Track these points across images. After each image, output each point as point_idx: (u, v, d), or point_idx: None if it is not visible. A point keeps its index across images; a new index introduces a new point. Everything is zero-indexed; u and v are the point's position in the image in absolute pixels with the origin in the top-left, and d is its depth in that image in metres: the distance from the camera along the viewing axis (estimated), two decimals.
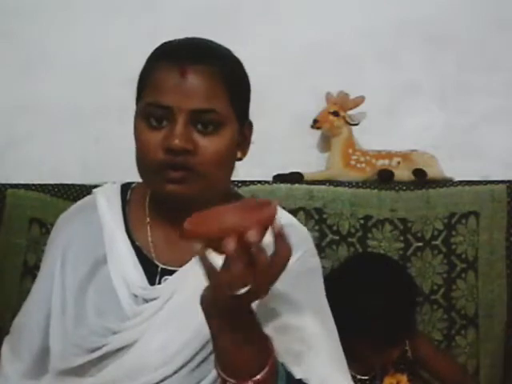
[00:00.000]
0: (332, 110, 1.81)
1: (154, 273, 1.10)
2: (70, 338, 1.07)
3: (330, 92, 1.84)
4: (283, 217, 1.02)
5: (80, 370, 1.06)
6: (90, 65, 1.84)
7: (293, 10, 1.88)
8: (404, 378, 1.52)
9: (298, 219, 1.68)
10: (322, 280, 1.15)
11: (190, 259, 1.05)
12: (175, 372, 1.03)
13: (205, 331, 0.92)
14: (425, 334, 1.67)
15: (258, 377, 0.89)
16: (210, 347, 0.97)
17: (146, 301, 1.07)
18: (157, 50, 1.11)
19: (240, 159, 1.12)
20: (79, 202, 1.25)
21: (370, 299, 1.41)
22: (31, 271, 1.71)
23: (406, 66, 1.89)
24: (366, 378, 1.51)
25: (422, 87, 1.89)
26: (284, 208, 1.65)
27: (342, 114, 1.81)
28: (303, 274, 1.08)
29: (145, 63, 1.11)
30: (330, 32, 1.86)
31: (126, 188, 1.21)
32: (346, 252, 1.73)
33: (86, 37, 1.86)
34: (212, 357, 0.95)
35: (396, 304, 1.42)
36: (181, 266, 1.09)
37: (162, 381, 1.03)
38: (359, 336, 1.39)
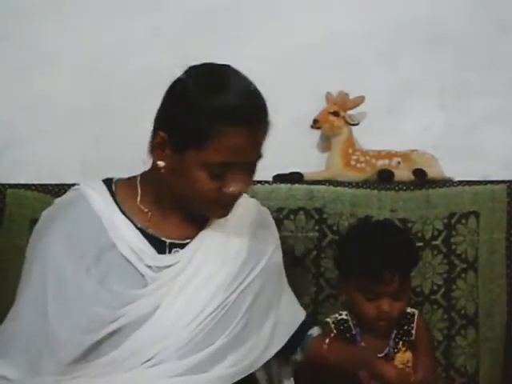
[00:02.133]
0: (332, 110, 1.81)
1: (162, 247, 1.23)
2: (88, 313, 1.15)
3: (329, 92, 1.84)
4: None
5: (93, 352, 1.14)
6: (90, 65, 1.84)
7: (293, 10, 1.87)
8: (411, 358, 1.52)
9: (298, 219, 1.71)
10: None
11: (196, 234, 1.25)
12: (190, 340, 1.16)
13: (219, 296, 1.18)
14: (428, 330, 1.67)
15: None
16: (222, 311, 1.19)
17: (161, 270, 1.20)
18: (219, 109, 1.14)
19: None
20: (63, 198, 1.32)
21: (373, 237, 1.52)
22: None
23: (406, 66, 1.89)
24: (381, 355, 1.51)
25: (421, 87, 1.89)
26: (284, 208, 1.67)
27: (342, 114, 1.81)
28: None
29: (202, 116, 1.14)
30: (330, 32, 1.86)
31: (108, 182, 1.30)
32: None
33: (86, 37, 1.86)
34: (223, 319, 1.18)
35: (397, 250, 1.49)
36: (186, 240, 1.25)
37: (180, 347, 1.16)
38: (352, 275, 1.49)
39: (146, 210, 1.26)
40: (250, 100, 1.18)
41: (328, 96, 1.84)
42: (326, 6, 1.87)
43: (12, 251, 1.70)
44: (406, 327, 1.54)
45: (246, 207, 1.35)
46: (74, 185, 1.72)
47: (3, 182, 1.75)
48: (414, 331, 1.54)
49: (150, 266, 1.20)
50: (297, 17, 1.87)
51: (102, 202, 1.25)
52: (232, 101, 1.15)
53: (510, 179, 1.77)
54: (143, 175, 1.31)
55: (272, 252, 1.36)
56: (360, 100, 1.81)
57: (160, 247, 1.24)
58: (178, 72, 1.82)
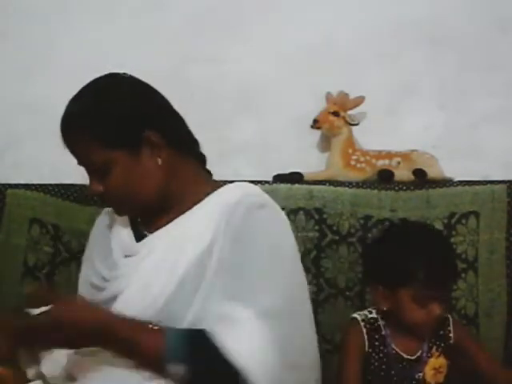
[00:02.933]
0: (332, 110, 1.81)
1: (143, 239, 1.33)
2: (86, 276, 1.38)
3: (330, 92, 1.84)
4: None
5: None
6: (90, 65, 1.84)
7: (293, 10, 1.88)
8: (445, 363, 1.51)
9: (298, 219, 1.71)
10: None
11: (164, 226, 1.30)
12: (156, 317, 1.19)
13: (176, 281, 1.20)
14: (466, 327, 1.69)
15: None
16: (181, 296, 1.20)
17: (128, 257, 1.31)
18: None
19: (164, 162, 1.28)
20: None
21: (421, 242, 1.47)
22: (31, 271, 1.71)
23: (406, 65, 1.88)
24: (413, 358, 1.51)
25: (422, 87, 1.89)
26: (284, 208, 1.67)
27: (342, 114, 1.81)
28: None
29: None
30: (330, 32, 1.87)
31: None
32: (346, 252, 1.72)
33: (85, 37, 1.86)
34: (189, 300, 1.19)
35: (447, 251, 1.49)
36: None
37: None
38: (406, 286, 1.45)
39: None
40: (65, 111, 1.29)
41: (328, 96, 1.84)
42: (326, 6, 1.87)
43: (12, 251, 1.70)
44: (441, 332, 1.53)
45: (226, 195, 1.28)
46: (73, 185, 1.74)
47: (3, 181, 1.75)
48: (452, 335, 1.53)
49: (127, 255, 1.31)
50: (297, 17, 1.87)
51: None
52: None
53: (510, 179, 1.76)
54: None
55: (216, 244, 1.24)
56: (360, 100, 1.81)
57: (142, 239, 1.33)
58: (177, 72, 1.84)
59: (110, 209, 1.44)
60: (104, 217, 1.46)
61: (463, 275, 1.73)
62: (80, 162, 1.29)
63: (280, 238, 1.27)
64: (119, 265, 1.31)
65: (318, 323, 1.57)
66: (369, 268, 1.57)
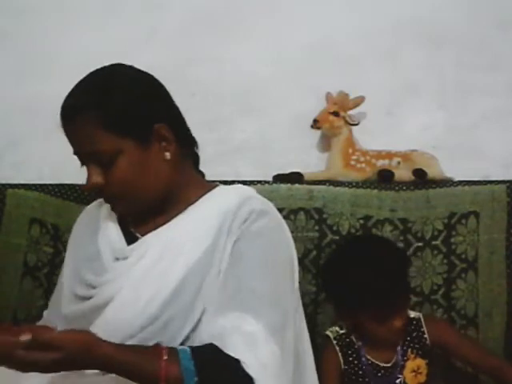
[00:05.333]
0: (332, 110, 1.81)
1: (134, 241, 1.27)
2: (69, 287, 1.30)
3: (329, 92, 1.84)
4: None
5: (78, 319, 1.23)
6: (89, 65, 1.84)
7: (292, 9, 1.88)
8: (423, 364, 1.52)
9: (298, 219, 1.71)
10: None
11: (160, 226, 1.25)
12: (149, 324, 1.14)
13: (171, 287, 1.15)
14: (445, 321, 1.68)
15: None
16: (177, 303, 1.15)
17: (119, 261, 1.26)
18: None
19: (169, 159, 1.24)
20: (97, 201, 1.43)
21: (358, 272, 1.44)
22: (31, 271, 1.71)
23: (406, 65, 1.88)
24: (389, 365, 1.52)
25: (421, 87, 1.89)
26: (284, 208, 1.67)
27: (342, 114, 1.81)
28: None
29: None
30: (330, 32, 1.87)
31: None
32: None
33: (85, 37, 1.86)
34: (180, 315, 1.14)
35: (384, 272, 1.44)
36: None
37: (140, 331, 1.15)
38: (358, 310, 1.46)
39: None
40: (67, 96, 1.23)
41: (328, 96, 1.84)
42: (326, 5, 1.87)
43: (12, 251, 1.70)
44: (414, 334, 1.54)
45: (225, 198, 1.26)
46: (73, 185, 1.74)
47: (3, 182, 1.75)
48: (426, 335, 1.54)
49: (117, 259, 1.26)
50: (297, 17, 1.87)
51: (107, 206, 1.34)
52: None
53: (510, 179, 1.76)
54: None
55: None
56: (360, 100, 1.81)
57: (134, 241, 1.28)
58: (178, 72, 1.84)
59: (93, 206, 1.40)
60: (86, 216, 1.40)
61: (463, 275, 1.73)
62: (81, 151, 1.22)
63: (280, 250, 1.26)
64: (108, 269, 1.24)
65: (317, 323, 1.58)
66: (324, 290, 1.59)
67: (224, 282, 1.17)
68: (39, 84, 1.85)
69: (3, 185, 1.74)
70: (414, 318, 1.56)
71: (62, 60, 1.86)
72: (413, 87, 1.88)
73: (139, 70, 1.27)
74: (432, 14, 1.87)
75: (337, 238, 1.72)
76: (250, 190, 1.32)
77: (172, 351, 1.06)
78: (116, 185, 1.20)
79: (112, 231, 1.29)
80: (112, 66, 1.26)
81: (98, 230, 1.32)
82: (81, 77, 1.27)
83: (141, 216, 1.27)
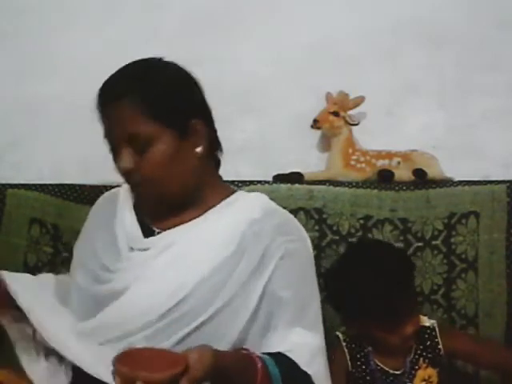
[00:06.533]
0: (332, 110, 1.81)
1: (152, 235, 1.30)
2: (91, 269, 1.30)
3: (329, 92, 1.84)
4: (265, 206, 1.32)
5: (89, 308, 1.25)
6: (89, 65, 1.84)
7: (293, 10, 1.88)
8: (434, 373, 1.51)
9: (298, 219, 1.70)
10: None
11: (179, 224, 1.28)
12: (158, 320, 1.18)
13: (193, 283, 1.18)
14: (457, 329, 1.68)
15: None
16: (196, 299, 1.19)
17: (139, 251, 1.27)
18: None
19: (201, 154, 1.28)
20: (112, 192, 1.46)
21: (366, 282, 1.42)
22: (31, 271, 1.70)
23: (406, 65, 1.88)
24: (399, 372, 1.50)
25: (421, 87, 1.89)
26: (284, 208, 1.66)
27: (342, 114, 1.81)
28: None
29: None
30: (330, 32, 1.87)
31: None
32: None
33: (86, 37, 1.86)
34: (197, 310, 1.18)
35: (392, 281, 1.42)
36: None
37: (157, 322, 1.18)
38: (369, 320, 1.43)
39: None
40: (110, 80, 1.27)
41: (328, 96, 1.84)
42: (326, 5, 1.87)
43: (12, 251, 1.70)
44: (428, 343, 1.52)
45: (248, 209, 1.31)
46: (73, 185, 1.74)
47: (3, 182, 1.75)
48: (440, 346, 1.52)
49: (132, 249, 1.28)
50: (296, 17, 1.87)
51: (125, 198, 1.37)
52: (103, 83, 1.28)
53: (510, 179, 1.76)
54: None
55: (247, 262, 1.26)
56: (360, 100, 1.81)
57: (150, 234, 1.30)
58: None
59: (111, 193, 1.42)
60: (103, 201, 1.43)
61: (463, 275, 1.73)
62: (118, 134, 1.24)
63: (312, 264, 1.36)
64: (123, 257, 1.27)
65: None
66: (328, 299, 1.52)
67: (281, 299, 1.23)
68: (39, 84, 1.85)
69: (3, 185, 1.74)
70: (428, 326, 1.53)
71: (62, 60, 1.86)
72: (413, 87, 1.88)
73: (180, 66, 1.31)
74: (432, 14, 1.87)
75: (337, 238, 1.72)
76: (270, 201, 1.37)
77: (261, 358, 1.12)
78: (148, 170, 1.23)
79: (128, 221, 1.31)
80: (154, 58, 1.30)
81: (114, 216, 1.34)
82: (81, 77, 1.29)
83: (162, 210, 1.30)
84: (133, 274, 1.23)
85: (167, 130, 1.23)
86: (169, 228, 1.29)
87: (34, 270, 1.70)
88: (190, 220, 1.29)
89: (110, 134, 1.26)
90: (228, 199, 1.33)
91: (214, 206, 1.31)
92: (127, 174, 1.25)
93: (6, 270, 1.68)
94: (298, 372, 1.16)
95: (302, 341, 1.20)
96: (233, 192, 1.37)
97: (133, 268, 1.24)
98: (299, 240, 1.33)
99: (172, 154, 1.24)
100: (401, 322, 1.44)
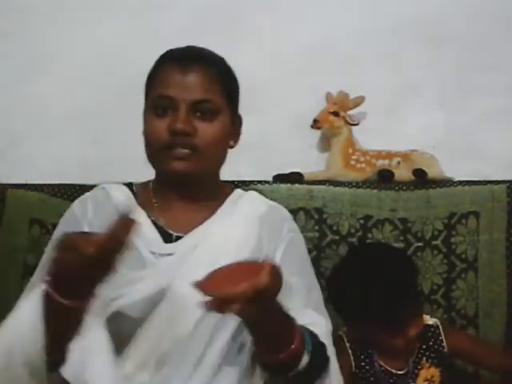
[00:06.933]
0: (332, 110, 1.81)
1: (169, 239, 1.28)
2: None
3: (329, 92, 1.84)
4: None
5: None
6: (89, 65, 1.85)
7: (293, 9, 1.88)
8: (437, 373, 1.51)
9: (298, 219, 1.71)
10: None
11: (197, 226, 1.28)
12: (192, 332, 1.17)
13: None
14: (456, 328, 1.68)
15: (292, 346, 1.09)
16: None
17: (162, 257, 1.25)
18: (163, 54, 1.32)
19: (232, 147, 1.35)
20: (91, 192, 1.38)
21: (370, 284, 1.42)
22: (31, 271, 1.69)
23: (406, 66, 1.89)
24: (402, 372, 1.50)
25: (421, 87, 1.89)
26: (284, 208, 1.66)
27: (342, 114, 1.81)
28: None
29: (152, 66, 1.31)
30: (330, 32, 1.87)
31: (129, 185, 1.38)
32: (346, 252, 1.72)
33: (85, 37, 1.86)
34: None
35: (396, 284, 1.43)
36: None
37: (197, 325, 1.17)
38: (373, 322, 1.43)
39: (154, 201, 1.32)
40: (189, 48, 1.33)
41: (328, 96, 1.84)
42: (326, 5, 1.87)
43: (12, 251, 1.70)
44: (431, 342, 1.53)
45: (253, 204, 1.36)
46: (73, 185, 1.73)
47: (3, 182, 1.75)
48: (444, 344, 1.52)
49: (154, 253, 1.25)
50: (297, 17, 1.87)
51: (123, 197, 1.33)
52: (177, 48, 1.33)
53: (510, 179, 1.76)
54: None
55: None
56: (360, 100, 1.81)
57: (167, 238, 1.28)
58: None
59: (99, 196, 1.33)
60: (87, 205, 1.31)
61: (463, 275, 1.73)
62: (189, 95, 1.23)
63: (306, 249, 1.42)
64: (147, 263, 1.23)
65: None
66: (330, 299, 1.50)
67: (291, 284, 1.24)
68: (39, 84, 1.85)
69: (3, 185, 1.73)
70: (431, 325, 1.54)
71: (62, 60, 1.86)
72: (413, 87, 1.88)
73: None
74: (432, 13, 1.87)
75: (337, 238, 1.72)
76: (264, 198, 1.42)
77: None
78: (206, 139, 1.24)
79: (144, 226, 1.27)
80: None
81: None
82: (81, 77, 1.29)
83: (185, 197, 1.29)
84: (164, 280, 1.20)
85: (228, 109, 1.29)
86: (182, 228, 1.28)
87: (33, 270, 1.70)
88: (202, 220, 1.29)
89: (172, 92, 1.24)
90: (231, 197, 1.36)
91: (219, 204, 1.33)
92: (180, 137, 1.23)
93: (6, 270, 1.69)
94: (320, 344, 1.19)
95: (316, 319, 1.24)
96: (231, 189, 1.40)
97: (163, 273, 1.22)
98: (297, 230, 1.40)
99: (227, 133, 1.30)
100: (404, 325, 1.44)
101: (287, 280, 1.18)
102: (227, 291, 0.97)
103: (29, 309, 1.06)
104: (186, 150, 1.23)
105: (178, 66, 1.25)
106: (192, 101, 1.23)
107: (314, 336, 1.18)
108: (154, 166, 1.30)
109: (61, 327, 1.04)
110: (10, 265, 1.69)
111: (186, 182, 1.27)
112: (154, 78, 1.28)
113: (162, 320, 1.18)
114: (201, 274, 1.16)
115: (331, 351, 1.22)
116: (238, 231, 1.29)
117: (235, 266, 1.03)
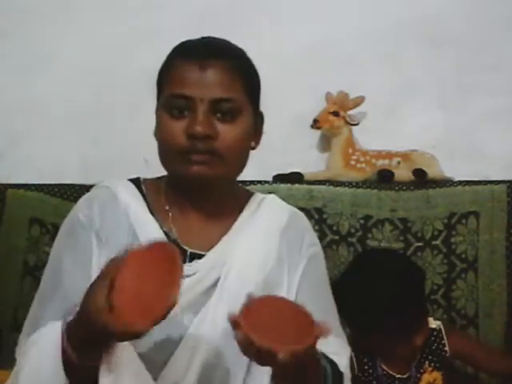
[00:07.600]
0: (332, 110, 1.81)
1: (183, 255, 1.09)
2: None
3: (329, 92, 1.84)
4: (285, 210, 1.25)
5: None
6: (89, 65, 1.84)
7: (293, 9, 1.88)
8: (439, 376, 1.52)
9: None
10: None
11: (216, 243, 1.16)
12: (211, 352, 1.08)
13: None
14: (459, 331, 1.68)
15: None
16: None
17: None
18: (176, 47, 1.17)
19: (253, 148, 1.20)
20: (96, 192, 1.25)
21: (377, 293, 1.41)
22: (31, 271, 1.71)
23: (406, 66, 1.89)
24: (404, 376, 1.51)
25: (422, 87, 1.89)
26: None
27: (342, 113, 1.81)
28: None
29: (164, 61, 1.17)
30: (330, 32, 1.87)
31: (137, 182, 1.23)
32: (346, 252, 1.73)
33: (85, 37, 1.86)
34: None
35: (402, 292, 1.42)
36: (207, 251, 1.16)
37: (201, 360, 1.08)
38: (379, 330, 1.42)
39: (167, 208, 1.19)
40: (205, 40, 1.18)
41: (328, 96, 1.84)
42: (326, 6, 1.87)
43: (12, 251, 1.70)
44: (434, 346, 1.53)
45: (274, 214, 1.24)
46: (73, 185, 1.73)
47: (3, 182, 1.75)
48: (447, 348, 1.52)
49: None
50: (297, 17, 1.87)
51: (132, 201, 1.19)
52: (193, 40, 1.18)
53: (510, 179, 1.77)
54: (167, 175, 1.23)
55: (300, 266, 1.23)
56: (360, 100, 1.81)
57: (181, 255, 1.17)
58: None
59: (106, 200, 1.19)
60: (94, 208, 1.20)
61: (463, 275, 1.74)
62: (209, 94, 1.10)
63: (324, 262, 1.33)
64: None
65: None
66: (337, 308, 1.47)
67: (312, 303, 1.12)
68: (39, 84, 1.85)
69: (3, 185, 1.74)
70: (434, 328, 1.54)
71: (62, 60, 1.86)
72: (413, 87, 1.88)
73: None
74: (432, 14, 1.87)
75: (337, 237, 1.72)
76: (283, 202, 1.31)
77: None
78: (226, 142, 1.10)
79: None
80: None
81: (133, 233, 1.15)
82: (81, 77, 1.27)
83: (202, 208, 1.17)
84: (191, 306, 1.11)
85: (250, 107, 1.16)
86: (196, 243, 1.16)
87: (33, 270, 1.71)
88: (219, 235, 1.17)
89: (189, 91, 1.10)
90: (249, 205, 1.24)
91: (237, 214, 1.21)
92: (199, 141, 1.09)
93: (6, 269, 1.70)
94: (339, 374, 1.12)
95: (339, 349, 1.15)
96: (248, 194, 1.28)
97: (184, 295, 1.06)
98: (317, 242, 1.30)
99: (249, 135, 1.16)
100: (411, 333, 1.43)
101: (306, 302, 1.07)
102: (274, 346, 0.86)
103: (50, 345, 0.97)
104: (206, 155, 1.10)
105: (194, 60, 1.11)
106: (211, 100, 1.10)
107: (334, 367, 1.10)
108: (169, 170, 1.16)
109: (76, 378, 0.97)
110: (10, 265, 1.70)
111: (204, 188, 1.14)
112: (167, 75, 1.14)
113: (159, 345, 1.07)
114: (216, 300, 1.10)
115: (347, 377, 1.14)
116: (257, 251, 1.18)
117: (277, 308, 0.94)
